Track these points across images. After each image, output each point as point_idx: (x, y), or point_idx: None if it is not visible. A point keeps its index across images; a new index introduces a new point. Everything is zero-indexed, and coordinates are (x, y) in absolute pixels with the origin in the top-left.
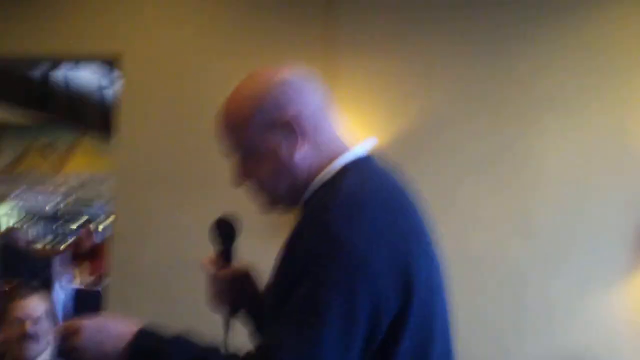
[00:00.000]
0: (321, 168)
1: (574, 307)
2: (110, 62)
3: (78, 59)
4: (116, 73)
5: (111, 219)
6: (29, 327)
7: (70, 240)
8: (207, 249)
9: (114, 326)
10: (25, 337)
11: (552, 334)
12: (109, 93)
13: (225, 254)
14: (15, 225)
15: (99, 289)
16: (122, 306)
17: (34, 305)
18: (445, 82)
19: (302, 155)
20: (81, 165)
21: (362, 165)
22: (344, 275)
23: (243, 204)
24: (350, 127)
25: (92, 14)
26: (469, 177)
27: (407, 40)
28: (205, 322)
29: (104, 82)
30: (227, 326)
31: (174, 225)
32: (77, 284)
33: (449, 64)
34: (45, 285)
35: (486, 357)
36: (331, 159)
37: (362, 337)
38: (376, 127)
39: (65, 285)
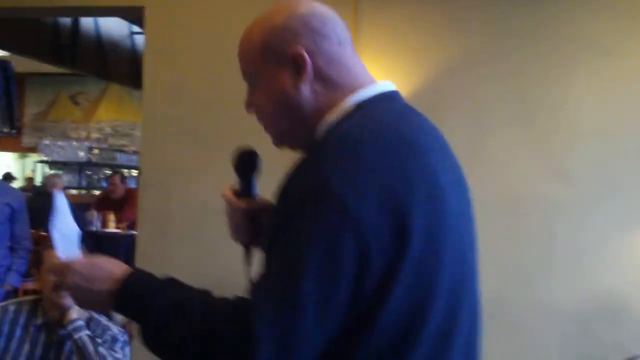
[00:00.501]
0: (332, 106)
1: (605, 249)
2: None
3: (100, 13)
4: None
5: (139, 168)
6: None
7: (102, 188)
8: None
9: (104, 266)
10: (63, 285)
11: (581, 276)
12: (139, 40)
13: (246, 186)
14: (52, 173)
15: (132, 234)
16: (150, 254)
17: None
18: (478, 34)
19: (309, 91)
20: (111, 113)
21: (378, 104)
22: (327, 221)
23: (267, 153)
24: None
25: None
26: (501, 125)
27: None
28: (231, 270)
29: (135, 29)
30: (247, 259)
31: (200, 174)
32: (109, 230)
33: (483, 14)
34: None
35: (516, 297)
36: (343, 98)
37: (347, 288)
38: (402, 76)
39: (70, 225)
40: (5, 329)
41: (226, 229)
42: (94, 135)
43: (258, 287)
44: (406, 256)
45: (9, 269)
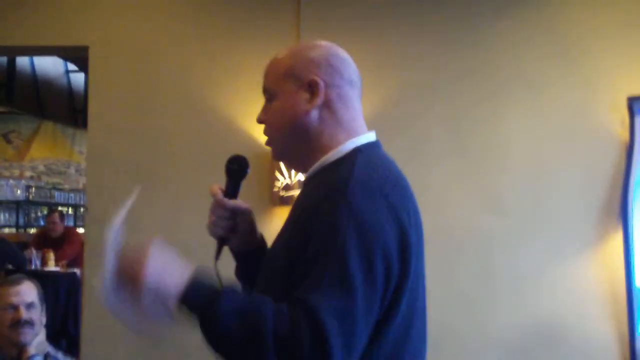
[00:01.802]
0: (337, 142)
1: (542, 278)
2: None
3: (43, 52)
4: (83, 63)
5: (82, 205)
6: (23, 313)
7: (40, 226)
8: (179, 232)
9: (175, 262)
10: (20, 323)
11: (521, 303)
12: (75, 78)
13: (232, 188)
14: None
15: (72, 272)
16: (98, 290)
17: (26, 291)
18: (414, 69)
19: (317, 117)
20: (44, 152)
21: (372, 150)
22: (365, 245)
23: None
24: None
25: (57, 5)
26: (439, 158)
27: (372, 25)
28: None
29: (70, 67)
30: (217, 252)
31: (146, 210)
32: (49, 268)
33: (418, 50)
34: (18, 270)
35: (458, 324)
36: (348, 137)
37: (379, 298)
38: None
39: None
40: None
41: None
42: (27, 173)
43: (310, 296)
44: (408, 274)
45: None
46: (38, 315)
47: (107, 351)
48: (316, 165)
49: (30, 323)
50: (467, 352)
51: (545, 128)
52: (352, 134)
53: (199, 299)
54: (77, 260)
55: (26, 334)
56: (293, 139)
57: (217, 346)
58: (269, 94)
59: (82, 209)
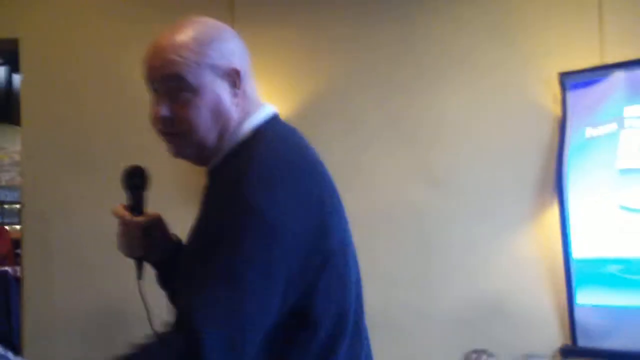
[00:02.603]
0: (236, 126)
1: (479, 252)
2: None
3: None
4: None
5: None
6: None
7: None
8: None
9: None
10: None
11: (458, 278)
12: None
13: (136, 203)
14: None
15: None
16: (36, 287)
17: None
18: (345, 49)
19: (237, 105)
20: None
21: (272, 128)
22: (260, 244)
23: (153, 181)
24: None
25: None
26: (374, 137)
27: (305, 9)
28: (123, 293)
29: None
30: (139, 273)
31: (84, 204)
32: None
33: (352, 30)
34: None
35: (398, 305)
36: (245, 119)
37: (278, 301)
38: (279, 96)
39: None
40: None
41: (112, 256)
42: None
43: (191, 308)
44: (327, 265)
45: None
46: None
47: (49, 349)
48: (219, 154)
49: None
50: (403, 330)
51: (479, 102)
52: (251, 113)
53: None
54: (7, 258)
55: None
56: (217, 132)
57: None
58: (176, 84)
59: (10, 206)
